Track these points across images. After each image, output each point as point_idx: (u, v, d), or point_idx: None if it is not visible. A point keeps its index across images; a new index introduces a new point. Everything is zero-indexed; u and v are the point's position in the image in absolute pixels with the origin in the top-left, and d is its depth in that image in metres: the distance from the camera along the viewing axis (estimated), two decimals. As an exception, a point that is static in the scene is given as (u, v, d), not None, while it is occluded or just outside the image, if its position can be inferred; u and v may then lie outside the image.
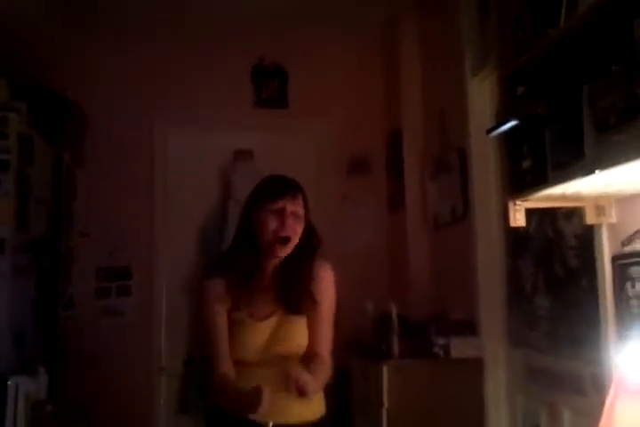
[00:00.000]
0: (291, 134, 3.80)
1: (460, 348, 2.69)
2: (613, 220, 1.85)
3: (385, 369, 2.63)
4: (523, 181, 1.82)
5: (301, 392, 1.72)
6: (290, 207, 1.92)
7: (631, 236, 1.77)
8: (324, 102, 3.79)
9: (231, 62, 3.78)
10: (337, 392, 3.47)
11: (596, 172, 1.45)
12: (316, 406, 1.99)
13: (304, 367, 1.86)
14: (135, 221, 3.57)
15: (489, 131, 2.07)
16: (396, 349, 2.74)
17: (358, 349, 2.96)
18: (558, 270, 2.25)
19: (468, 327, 2.76)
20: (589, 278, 2.02)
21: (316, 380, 1.83)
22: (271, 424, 1.88)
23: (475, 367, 2.66)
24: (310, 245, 1.98)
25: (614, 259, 1.85)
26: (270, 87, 3.88)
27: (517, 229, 2.36)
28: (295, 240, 1.93)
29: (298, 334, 1.96)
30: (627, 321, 1.78)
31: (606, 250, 1.89)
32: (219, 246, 3.60)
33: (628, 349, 1.65)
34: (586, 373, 2.04)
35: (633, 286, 1.75)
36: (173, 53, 3.70)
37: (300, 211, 1.93)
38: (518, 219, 1.84)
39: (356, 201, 3.75)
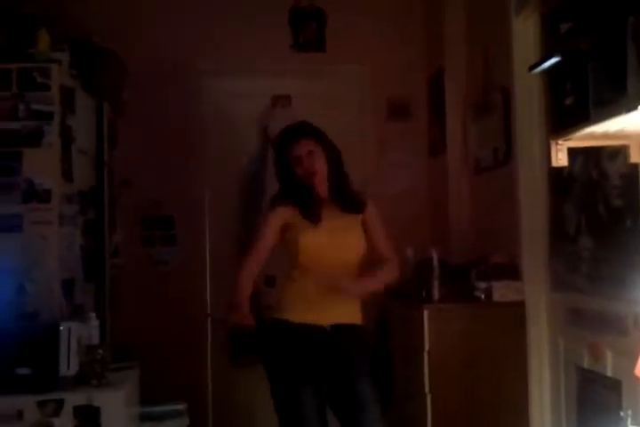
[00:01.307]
0: (329, 78, 3.75)
1: (501, 291, 2.68)
2: (659, 158, 1.79)
3: (426, 313, 2.65)
4: (565, 119, 1.78)
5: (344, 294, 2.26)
6: (303, 150, 2.33)
7: (678, 174, 1.72)
8: (363, 45, 3.71)
9: (268, 4, 3.70)
10: (376, 338, 3.56)
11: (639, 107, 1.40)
12: (359, 312, 2.42)
13: (366, 272, 2.39)
14: (176, 169, 3.60)
15: (531, 67, 2.01)
16: (436, 293, 2.75)
17: (398, 295, 2.98)
18: (602, 212, 2.21)
19: (510, 271, 2.74)
20: (633, 219, 1.98)
21: (360, 285, 2.35)
22: (328, 327, 2.32)
23: (516, 311, 2.66)
24: (339, 173, 2.41)
25: (660, 198, 1.80)
26: (308, 30, 3.80)
27: (561, 170, 2.32)
28: (322, 172, 2.35)
29: (354, 241, 2.37)
30: (671, 262, 1.75)
31: (651, 189, 1.84)
32: (259, 192, 3.63)
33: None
34: (628, 313, 2.02)
35: (678, 226, 1.71)
36: (210, -1, 3.65)
37: (314, 148, 2.35)
38: (560, 159, 1.80)
39: (395, 146, 3.71)
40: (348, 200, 2.39)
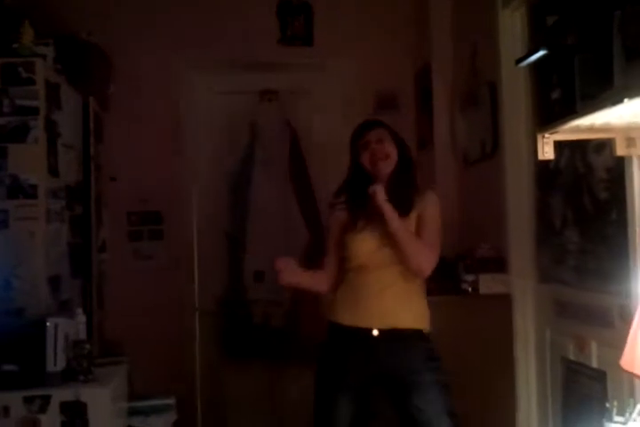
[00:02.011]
0: (316, 72, 3.73)
1: (488, 284, 2.70)
2: (644, 151, 1.81)
3: (413, 306, 2.66)
4: (552, 112, 1.78)
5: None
6: (373, 137, 2.30)
7: (662, 167, 1.73)
8: (351, 39, 3.69)
9: (256, -1, 3.68)
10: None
11: (625, 101, 1.40)
12: (419, 316, 2.27)
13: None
14: (163, 165, 3.57)
15: (518, 61, 2.02)
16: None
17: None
18: (588, 204, 2.23)
19: (497, 264, 2.76)
20: (619, 211, 1.99)
21: (413, 242, 2.22)
22: (376, 332, 2.20)
23: (503, 303, 2.68)
24: (408, 165, 2.35)
25: (645, 191, 1.82)
26: (296, 24, 3.79)
27: (548, 163, 2.33)
28: (392, 158, 2.30)
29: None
30: (656, 254, 1.76)
31: (637, 182, 1.86)
32: (247, 187, 3.63)
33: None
34: (613, 305, 2.04)
35: (663, 219, 1.72)
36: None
37: (384, 135, 2.31)
38: (547, 152, 1.80)
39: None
40: (400, 203, 2.25)
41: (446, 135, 3.41)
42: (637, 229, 1.85)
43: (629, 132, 1.79)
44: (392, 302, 2.22)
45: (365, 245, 2.25)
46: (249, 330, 3.60)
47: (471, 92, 3.14)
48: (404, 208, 2.25)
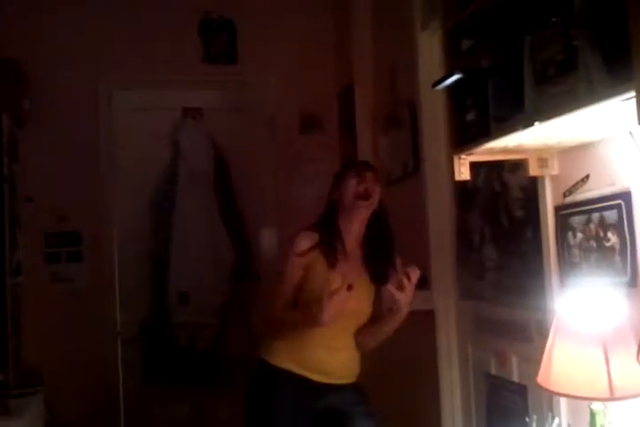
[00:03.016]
0: (240, 91, 3.73)
1: (412, 301, 2.73)
2: (555, 171, 1.88)
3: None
4: (467, 134, 1.83)
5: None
6: (368, 173, 2.23)
7: (572, 187, 1.80)
8: (275, 58, 3.71)
9: (177, 16, 3.64)
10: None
11: (536, 124, 1.46)
12: (357, 371, 2.31)
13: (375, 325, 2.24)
14: (82, 184, 3.47)
15: (434, 84, 2.06)
16: (348, 304, 2.76)
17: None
18: (504, 222, 2.30)
19: (420, 281, 2.79)
20: (533, 229, 2.06)
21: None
22: (319, 384, 2.19)
23: (426, 320, 2.71)
24: (385, 221, 2.29)
25: (557, 209, 1.89)
26: (219, 42, 3.77)
27: (466, 182, 2.39)
28: (374, 201, 2.22)
29: (370, 303, 2.25)
30: (568, 269, 1.83)
31: (549, 201, 1.93)
32: (170, 208, 3.57)
33: (567, 295, 1.71)
34: (531, 320, 2.11)
35: (574, 236, 1.80)
36: (117, 8, 3.56)
37: (376, 183, 2.24)
38: (463, 173, 1.86)
39: (309, 158, 3.73)
40: (378, 269, 2.22)
41: (369, 155, 3.45)
42: (551, 246, 1.92)
43: (541, 153, 1.87)
44: (342, 359, 2.23)
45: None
46: (174, 354, 3.52)
47: (392, 113, 3.19)
48: (381, 279, 2.22)
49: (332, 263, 2.18)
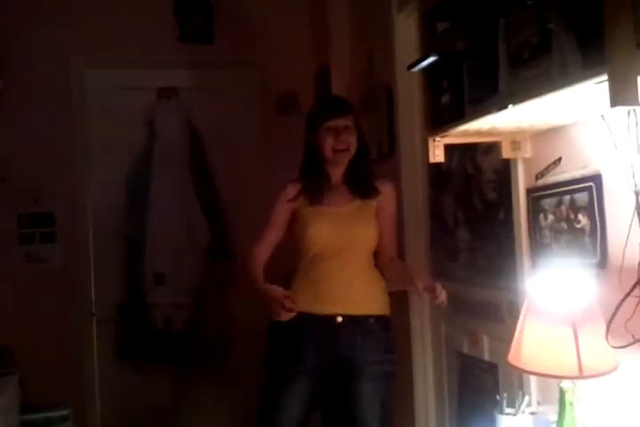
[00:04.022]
0: (216, 70, 3.69)
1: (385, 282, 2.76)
2: (528, 154, 1.90)
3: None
4: (441, 116, 1.84)
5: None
6: (341, 123, 2.25)
7: (544, 169, 1.83)
8: (252, 38, 3.67)
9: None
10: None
11: (509, 107, 1.47)
12: (382, 302, 2.30)
13: (389, 267, 2.31)
14: (56, 165, 3.43)
15: (410, 66, 2.07)
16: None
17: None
18: (477, 204, 2.32)
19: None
20: (506, 211, 2.09)
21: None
22: (340, 319, 2.21)
23: (400, 300, 2.74)
24: (365, 153, 2.36)
25: (529, 192, 1.92)
26: (195, 21, 3.72)
27: (440, 165, 2.41)
28: (352, 149, 2.29)
29: (368, 226, 2.29)
30: (539, 251, 1.86)
31: (521, 183, 1.95)
32: (145, 188, 3.54)
33: (538, 275, 1.74)
34: (503, 301, 2.14)
35: (545, 218, 1.82)
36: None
37: (351, 124, 2.28)
38: (437, 155, 1.87)
39: (285, 138, 3.71)
40: (361, 185, 2.31)
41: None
42: (522, 228, 1.95)
43: (515, 136, 1.88)
44: (354, 292, 2.24)
45: (322, 231, 2.24)
46: (149, 334, 3.52)
47: (369, 95, 3.19)
48: (368, 192, 2.31)
49: (316, 201, 2.28)
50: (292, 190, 2.31)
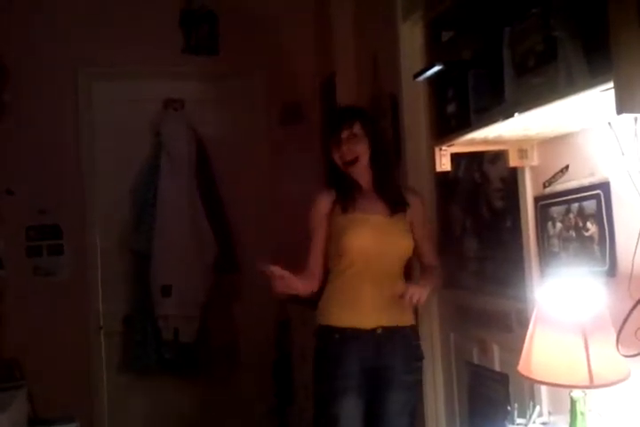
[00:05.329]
0: (222, 82, 3.71)
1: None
2: (535, 162, 1.90)
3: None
4: (448, 125, 1.84)
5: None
6: (345, 133, 2.26)
7: (551, 177, 1.82)
8: (257, 49, 3.70)
9: (158, 6, 3.61)
10: (279, 341, 3.56)
11: (515, 115, 1.47)
12: (412, 311, 2.32)
13: (423, 278, 2.29)
14: (63, 176, 3.46)
15: (415, 76, 2.07)
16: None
17: (297, 299, 2.99)
18: (485, 213, 2.31)
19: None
20: (513, 219, 2.08)
21: (428, 289, 2.17)
22: (380, 331, 2.23)
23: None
24: (384, 158, 2.33)
25: (536, 200, 1.91)
26: (200, 32, 3.75)
27: (447, 173, 2.40)
28: (363, 158, 2.28)
29: (402, 236, 2.28)
30: (548, 259, 1.85)
31: (529, 191, 1.94)
32: (152, 200, 3.54)
33: (547, 284, 1.73)
34: (511, 310, 2.13)
35: (553, 226, 1.81)
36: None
37: (358, 131, 2.26)
38: (444, 164, 1.87)
39: (290, 149, 3.73)
40: (391, 198, 2.29)
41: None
42: (530, 236, 1.94)
43: (521, 144, 1.88)
44: (389, 305, 2.23)
45: (366, 234, 2.23)
46: (157, 346, 3.51)
47: (374, 104, 3.19)
48: (398, 206, 2.29)
49: (350, 207, 2.26)
50: (325, 199, 2.31)
